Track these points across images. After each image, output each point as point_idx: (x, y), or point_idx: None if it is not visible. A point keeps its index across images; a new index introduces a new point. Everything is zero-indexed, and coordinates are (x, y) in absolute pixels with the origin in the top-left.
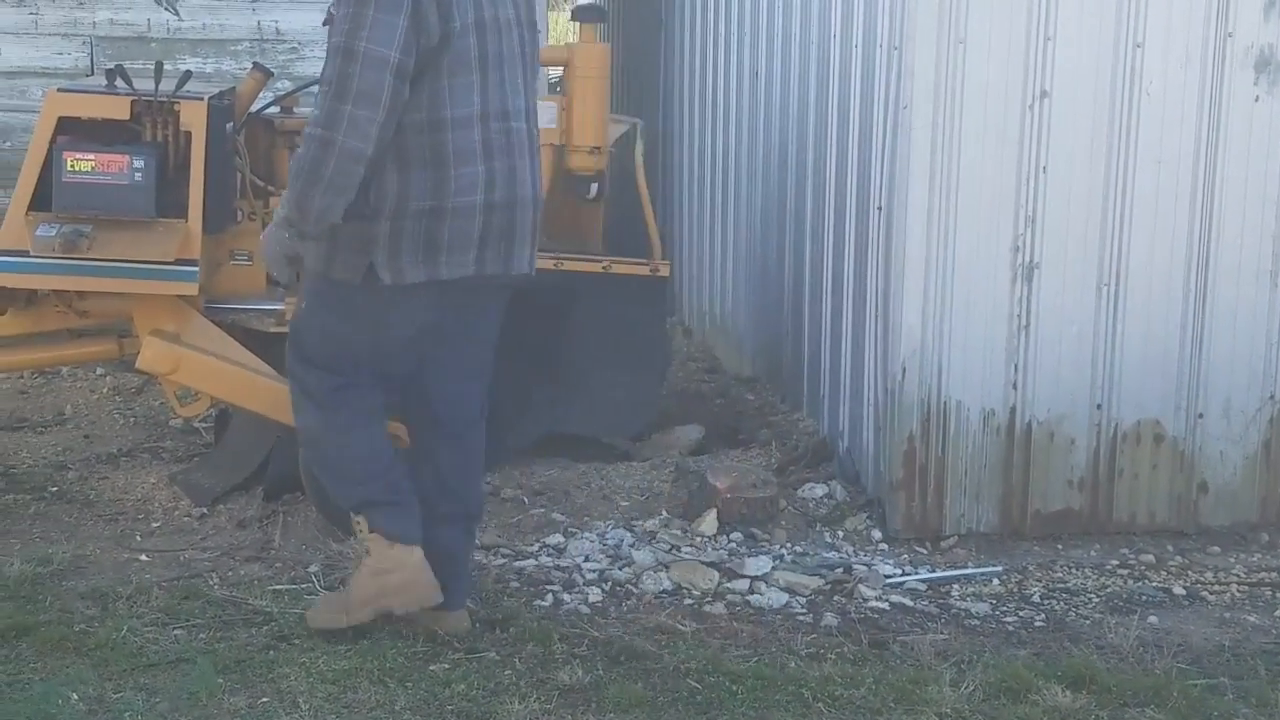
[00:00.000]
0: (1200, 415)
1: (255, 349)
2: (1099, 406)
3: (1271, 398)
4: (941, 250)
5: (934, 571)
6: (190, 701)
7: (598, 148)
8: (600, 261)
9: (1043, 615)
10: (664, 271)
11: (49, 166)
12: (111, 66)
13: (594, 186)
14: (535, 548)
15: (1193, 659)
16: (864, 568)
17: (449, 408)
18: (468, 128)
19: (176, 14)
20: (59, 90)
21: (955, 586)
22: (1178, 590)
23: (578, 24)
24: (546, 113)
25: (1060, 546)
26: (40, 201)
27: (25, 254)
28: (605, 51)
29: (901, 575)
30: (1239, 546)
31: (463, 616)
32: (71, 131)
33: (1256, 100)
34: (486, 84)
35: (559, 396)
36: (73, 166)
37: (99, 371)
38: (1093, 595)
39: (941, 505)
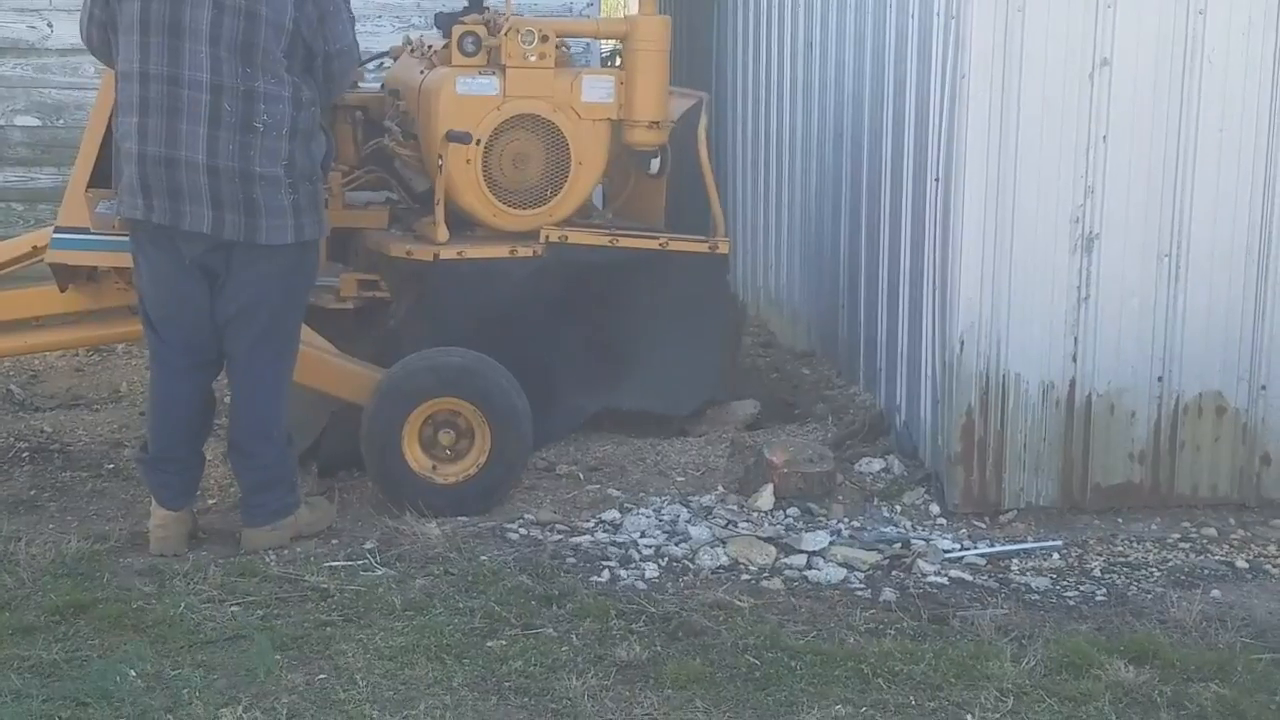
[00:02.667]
0: (1263, 387)
1: (313, 325)
2: (1160, 378)
3: None
4: (1000, 222)
5: (993, 546)
6: (248, 678)
7: (657, 122)
8: (657, 238)
9: (1104, 589)
10: (723, 248)
11: (108, 143)
12: None
13: (654, 162)
14: (591, 524)
15: (1257, 633)
16: (922, 542)
17: (230, 362)
18: (129, 81)
19: None
20: None
21: (1015, 561)
22: (1240, 564)
23: None
24: (602, 88)
25: (1120, 520)
26: (99, 178)
27: (85, 231)
28: (666, 24)
29: (960, 550)
30: None
31: (252, 534)
32: None
33: None
34: (148, 46)
35: (616, 373)
36: None
37: None
38: (1154, 569)
39: (1000, 479)
